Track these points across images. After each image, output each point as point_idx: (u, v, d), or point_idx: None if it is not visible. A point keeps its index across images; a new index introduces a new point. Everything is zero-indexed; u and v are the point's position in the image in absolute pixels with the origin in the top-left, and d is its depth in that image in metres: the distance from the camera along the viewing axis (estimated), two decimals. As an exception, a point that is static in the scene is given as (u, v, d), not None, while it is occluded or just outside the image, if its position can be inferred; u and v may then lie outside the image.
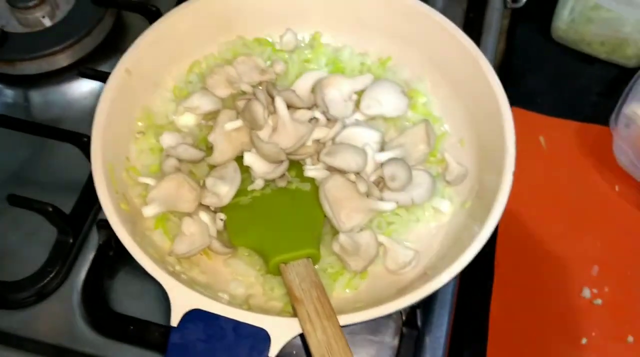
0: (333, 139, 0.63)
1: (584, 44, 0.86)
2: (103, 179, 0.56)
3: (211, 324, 0.50)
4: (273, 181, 0.62)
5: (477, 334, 0.69)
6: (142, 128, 0.64)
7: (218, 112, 0.64)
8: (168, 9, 0.67)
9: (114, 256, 0.63)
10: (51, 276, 0.62)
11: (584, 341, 0.68)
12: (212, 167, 0.63)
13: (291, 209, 0.60)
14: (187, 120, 0.65)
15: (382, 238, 0.60)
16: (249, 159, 0.61)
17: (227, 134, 0.62)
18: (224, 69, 0.66)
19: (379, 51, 0.71)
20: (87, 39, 0.77)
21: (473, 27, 0.80)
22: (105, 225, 0.61)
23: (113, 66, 0.62)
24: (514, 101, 0.61)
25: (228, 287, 0.59)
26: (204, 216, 0.59)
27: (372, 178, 0.62)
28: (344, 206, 0.59)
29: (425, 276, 0.57)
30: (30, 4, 0.76)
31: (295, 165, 0.63)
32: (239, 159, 0.62)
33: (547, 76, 0.86)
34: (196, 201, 0.60)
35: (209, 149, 0.63)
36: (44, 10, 0.78)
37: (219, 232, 0.61)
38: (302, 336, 0.51)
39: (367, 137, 0.63)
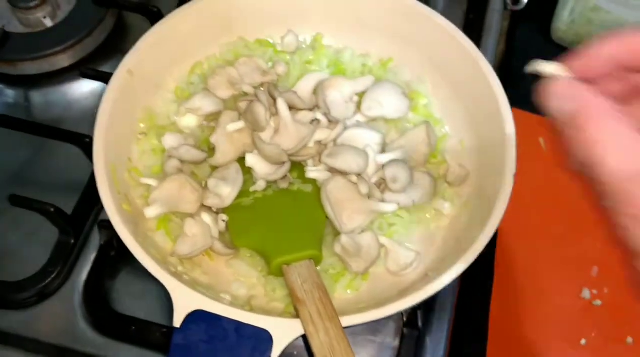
0: (334, 140, 0.63)
1: (584, 46, 0.86)
2: (105, 180, 0.56)
3: (214, 325, 0.50)
4: (275, 182, 0.62)
5: (477, 334, 0.69)
6: (144, 129, 0.64)
7: (220, 113, 0.64)
8: (169, 10, 0.67)
9: (116, 257, 0.63)
10: (52, 276, 0.62)
11: (583, 341, 0.69)
12: (214, 168, 0.63)
13: (293, 211, 0.61)
14: (189, 121, 0.65)
15: (383, 240, 0.60)
16: (251, 160, 0.61)
17: (229, 136, 0.62)
18: (225, 70, 0.66)
19: (380, 53, 0.71)
20: (88, 40, 0.77)
21: (473, 29, 0.81)
22: (107, 225, 0.61)
23: (114, 67, 0.62)
24: (514, 102, 0.61)
25: (230, 288, 0.59)
26: (206, 217, 0.59)
27: (374, 180, 0.62)
28: (345, 207, 0.60)
29: (426, 278, 0.57)
30: (32, 4, 0.76)
31: (297, 167, 0.63)
32: (241, 160, 0.62)
33: (548, 77, 0.86)
34: (198, 202, 0.60)
35: (211, 150, 0.63)
36: (45, 10, 0.77)
37: (221, 233, 0.61)
38: (304, 336, 0.51)
39: (368, 139, 0.63)
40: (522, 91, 0.83)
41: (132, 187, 0.61)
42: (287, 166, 0.61)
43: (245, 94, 0.65)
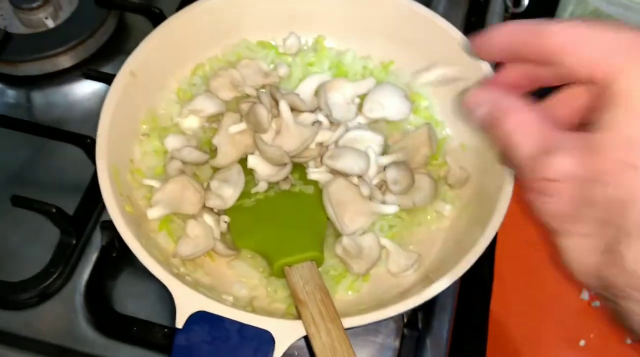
0: (336, 142, 0.63)
1: (584, 48, 0.86)
2: (108, 182, 0.56)
3: (216, 326, 0.50)
4: (277, 183, 0.62)
5: (476, 335, 0.70)
6: (147, 130, 0.65)
7: (222, 114, 0.64)
8: (171, 11, 0.67)
9: (117, 257, 0.64)
10: (54, 276, 0.62)
11: (582, 342, 0.69)
12: (216, 169, 0.63)
13: (295, 212, 0.61)
14: (191, 122, 0.65)
15: (384, 241, 0.61)
16: (253, 161, 0.61)
17: (231, 137, 0.62)
18: (227, 71, 0.66)
19: (382, 55, 0.71)
20: (90, 41, 0.78)
21: (474, 31, 0.81)
22: (108, 226, 0.62)
23: (116, 68, 0.62)
24: (514, 105, 0.62)
25: (232, 289, 0.59)
26: (208, 218, 0.60)
27: (375, 181, 0.62)
28: (347, 208, 0.60)
29: (427, 279, 0.58)
30: (34, 5, 0.77)
31: (299, 168, 0.63)
32: (243, 161, 0.62)
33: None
34: (200, 203, 0.60)
35: (213, 151, 0.63)
36: (47, 11, 0.78)
37: (222, 234, 0.61)
38: (305, 337, 0.51)
39: (370, 141, 0.64)
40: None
41: (135, 189, 0.61)
42: (289, 168, 0.61)
43: (247, 96, 0.66)
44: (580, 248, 0.40)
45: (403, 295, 0.56)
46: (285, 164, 0.61)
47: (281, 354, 0.50)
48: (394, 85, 0.68)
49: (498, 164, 0.57)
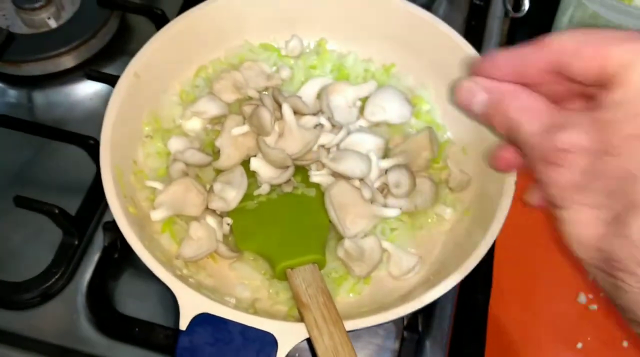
0: (338, 145, 0.64)
1: (583, 52, 0.87)
2: (112, 183, 0.56)
3: (219, 328, 0.50)
4: (279, 186, 0.62)
5: (475, 338, 0.70)
6: (150, 132, 0.65)
7: (224, 116, 0.64)
8: (173, 12, 0.68)
9: (119, 258, 0.64)
10: (56, 277, 0.63)
11: (579, 345, 0.69)
12: (218, 171, 0.63)
13: (297, 214, 0.61)
14: (194, 124, 0.65)
15: (385, 244, 0.61)
16: (256, 164, 0.61)
17: (234, 139, 0.62)
18: (230, 74, 0.66)
19: (383, 58, 0.71)
20: (93, 41, 0.78)
21: (474, 35, 0.81)
22: (111, 227, 0.62)
23: (118, 68, 0.62)
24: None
25: (234, 291, 0.59)
26: (211, 220, 0.60)
27: (376, 184, 0.63)
28: (349, 211, 0.60)
29: (428, 282, 0.58)
30: (36, 5, 0.77)
31: (301, 171, 0.63)
32: (245, 163, 0.63)
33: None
34: (203, 205, 0.60)
35: (215, 153, 0.64)
36: (49, 11, 0.78)
37: (224, 236, 0.61)
38: (307, 339, 0.52)
39: (371, 144, 0.64)
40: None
41: (138, 190, 0.61)
42: (291, 170, 0.61)
43: (250, 98, 0.66)
44: (586, 219, 0.41)
45: (404, 298, 0.56)
46: (287, 167, 0.61)
47: (284, 356, 0.51)
48: (395, 89, 0.68)
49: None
